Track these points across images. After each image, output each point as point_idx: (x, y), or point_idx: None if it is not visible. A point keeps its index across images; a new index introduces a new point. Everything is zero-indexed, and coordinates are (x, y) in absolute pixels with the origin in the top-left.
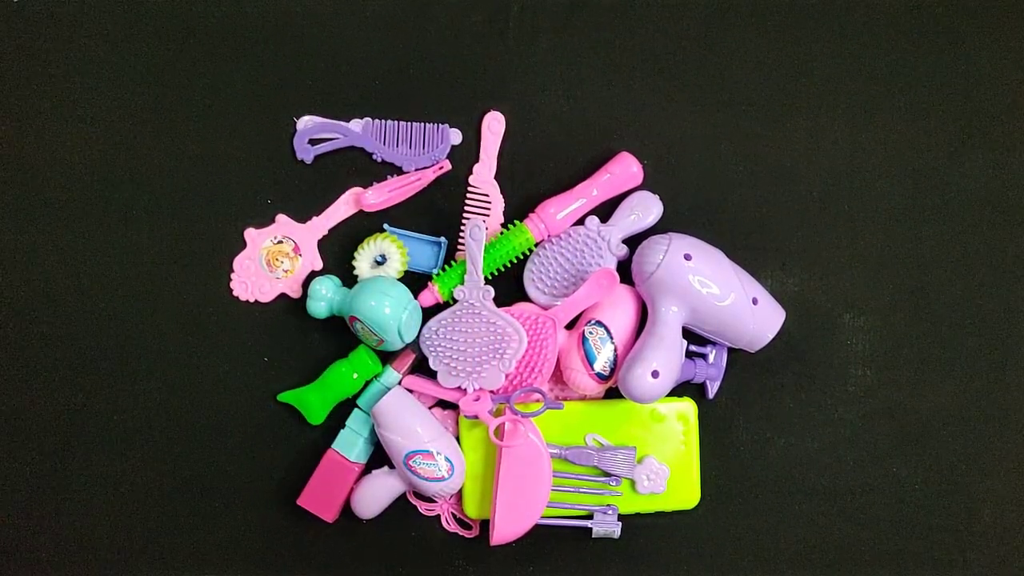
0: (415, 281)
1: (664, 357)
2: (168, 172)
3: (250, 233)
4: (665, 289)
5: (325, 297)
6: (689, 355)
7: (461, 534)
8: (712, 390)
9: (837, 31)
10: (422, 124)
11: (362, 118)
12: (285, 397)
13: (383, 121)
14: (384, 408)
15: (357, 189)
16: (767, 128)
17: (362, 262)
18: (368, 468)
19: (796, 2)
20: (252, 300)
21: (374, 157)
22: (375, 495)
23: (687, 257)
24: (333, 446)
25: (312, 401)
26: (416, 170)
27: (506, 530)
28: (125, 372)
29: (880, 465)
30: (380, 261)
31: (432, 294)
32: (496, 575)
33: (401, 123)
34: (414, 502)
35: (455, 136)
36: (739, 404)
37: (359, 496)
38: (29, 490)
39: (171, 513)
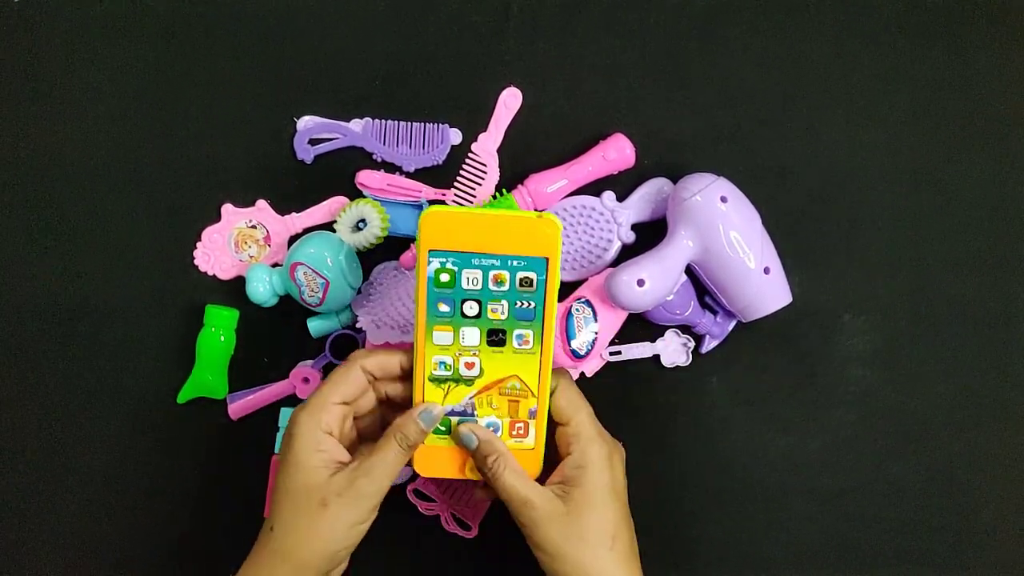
0: (396, 246)
1: (658, 274)
2: (168, 172)
3: (227, 209)
4: (690, 219)
5: (263, 280)
6: (704, 305)
7: (460, 535)
8: (707, 346)
9: (837, 30)
10: (422, 124)
11: (362, 118)
12: (184, 395)
13: (383, 121)
14: None
15: (341, 197)
16: (767, 127)
17: (342, 227)
18: None
19: (796, 1)
20: (211, 274)
21: (374, 157)
22: None
23: (723, 199)
24: (276, 451)
25: (206, 380)
26: (417, 171)
27: None
28: (125, 372)
29: (880, 465)
30: (361, 227)
31: (414, 256)
32: (498, 575)
33: (401, 123)
34: (414, 501)
35: (455, 136)
36: (739, 404)
37: None
38: (28, 490)
39: (173, 518)
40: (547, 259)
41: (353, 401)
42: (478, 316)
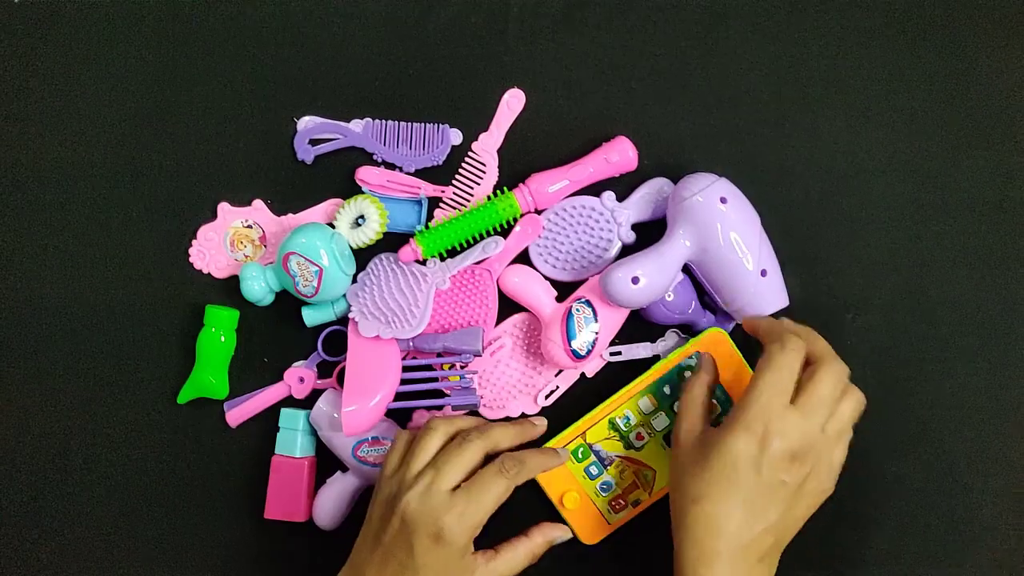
0: (397, 243)
1: (654, 271)
2: (168, 172)
3: (223, 207)
4: (689, 218)
5: (256, 278)
6: (704, 305)
7: None
8: None
9: (837, 31)
10: (422, 124)
11: (362, 118)
12: (185, 396)
13: (383, 121)
14: (318, 413)
15: (336, 200)
16: (767, 128)
17: (342, 224)
18: (319, 460)
19: (796, 2)
20: (206, 271)
21: (375, 158)
22: (334, 502)
23: (723, 200)
24: (276, 451)
25: (206, 381)
26: (417, 171)
27: (354, 422)
28: (125, 372)
29: (880, 465)
30: (360, 223)
31: (413, 251)
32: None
33: (401, 123)
34: None
35: (455, 136)
36: None
37: (319, 507)
38: (29, 490)
39: (173, 518)
40: None
41: None
42: None
